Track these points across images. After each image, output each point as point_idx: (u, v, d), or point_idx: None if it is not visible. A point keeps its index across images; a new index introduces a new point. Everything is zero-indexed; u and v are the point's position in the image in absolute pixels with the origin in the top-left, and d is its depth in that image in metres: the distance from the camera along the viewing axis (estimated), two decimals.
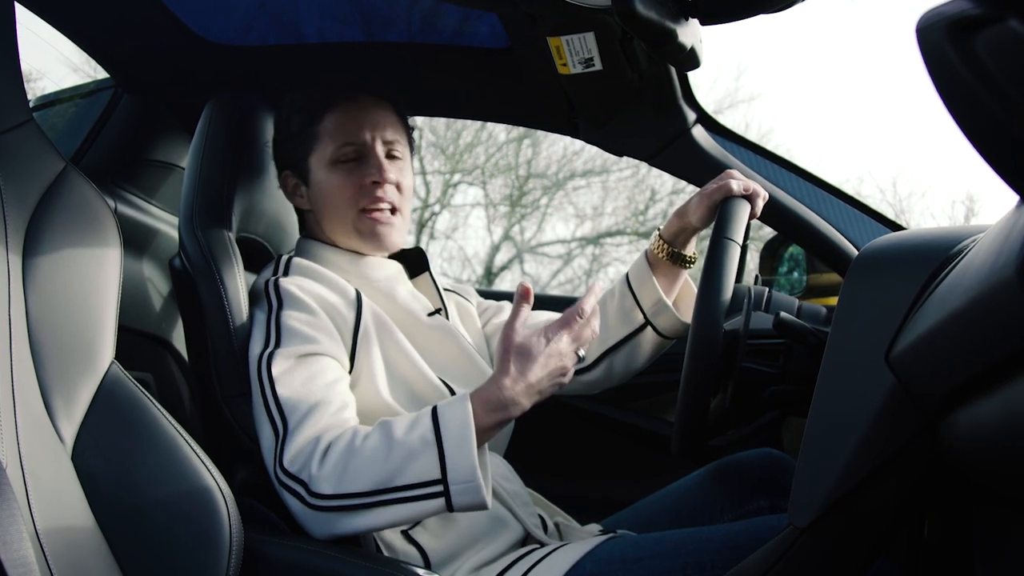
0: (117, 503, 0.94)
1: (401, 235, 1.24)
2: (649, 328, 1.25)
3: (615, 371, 1.28)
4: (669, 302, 1.23)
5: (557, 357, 1.00)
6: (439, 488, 0.93)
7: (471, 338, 1.31)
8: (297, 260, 1.20)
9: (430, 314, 1.22)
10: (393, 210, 1.21)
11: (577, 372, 1.28)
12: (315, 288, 1.13)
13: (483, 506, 0.94)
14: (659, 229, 1.26)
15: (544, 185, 9.80)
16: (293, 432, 1.00)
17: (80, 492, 0.93)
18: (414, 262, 1.31)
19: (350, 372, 1.11)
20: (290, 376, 1.04)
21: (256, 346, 1.09)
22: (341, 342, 1.11)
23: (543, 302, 1.84)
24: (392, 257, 1.27)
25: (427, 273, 1.30)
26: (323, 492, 0.95)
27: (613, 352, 1.27)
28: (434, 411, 0.98)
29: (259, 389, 1.05)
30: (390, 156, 1.22)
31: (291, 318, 1.09)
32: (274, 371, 1.04)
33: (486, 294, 1.60)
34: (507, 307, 1.39)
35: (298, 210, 1.30)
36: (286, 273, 1.18)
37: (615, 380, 1.30)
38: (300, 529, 1.02)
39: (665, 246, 1.23)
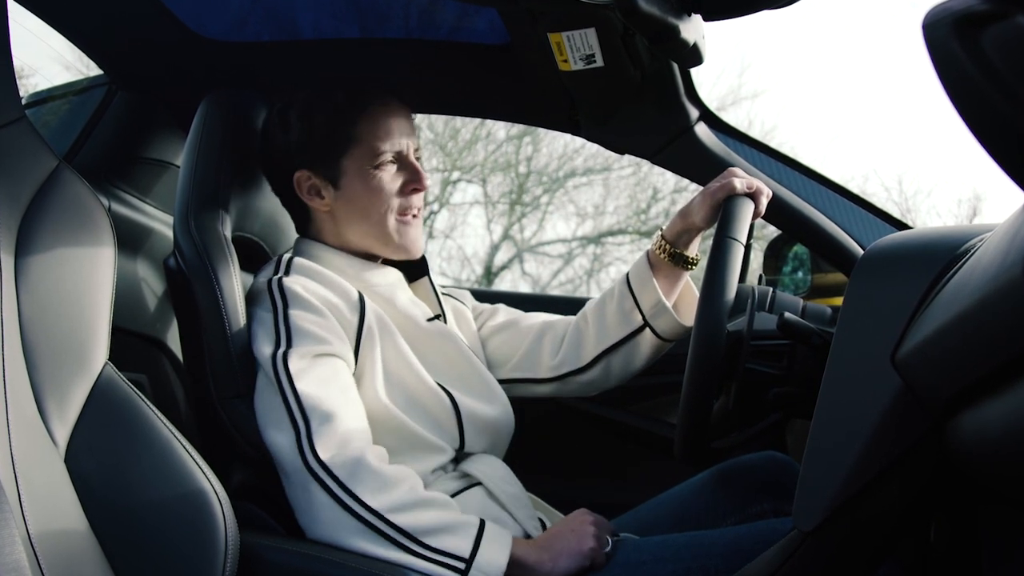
0: (111, 506, 0.94)
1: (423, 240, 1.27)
2: (648, 330, 1.25)
3: (613, 372, 1.28)
4: (669, 304, 1.23)
5: (581, 526, 1.07)
6: (462, 566, 0.97)
7: (468, 342, 1.31)
8: (298, 260, 1.20)
9: (429, 319, 1.22)
10: (415, 216, 1.25)
11: (574, 372, 1.29)
12: (318, 289, 1.13)
13: None
14: (661, 229, 1.26)
15: (544, 183, 9.80)
16: (321, 427, 1.02)
17: (73, 495, 0.93)
18: (414, 266, 1.31)
19: (353, 373, 1.12)
20: (308, 374, 1.06)
21: (266, 346, 1.09)
22: (348, 343, 1.12)
23: (544, 302, 1.84)
24: (392, 263, 1.28)
25: (426, 278, 1.31)
26: (365, 500, 0.98)
27: (611, 353, 1.27)
28: (480, 528, 1.02)
29: (277, 386, 1.05)
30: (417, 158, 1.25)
31: (300, 318, 1.10)
32: (292, 369, 1.05)
33: (484, 294, 1.60)
34: (502, 309, 1.40)
35: (303, 210, 1.27)
36: (287, 273, 1.18)
37: (613, 381, 1.30)
38: (297, 531, 1.02)
39: (667, 247, 1.23)
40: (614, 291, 1.28)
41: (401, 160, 1.22)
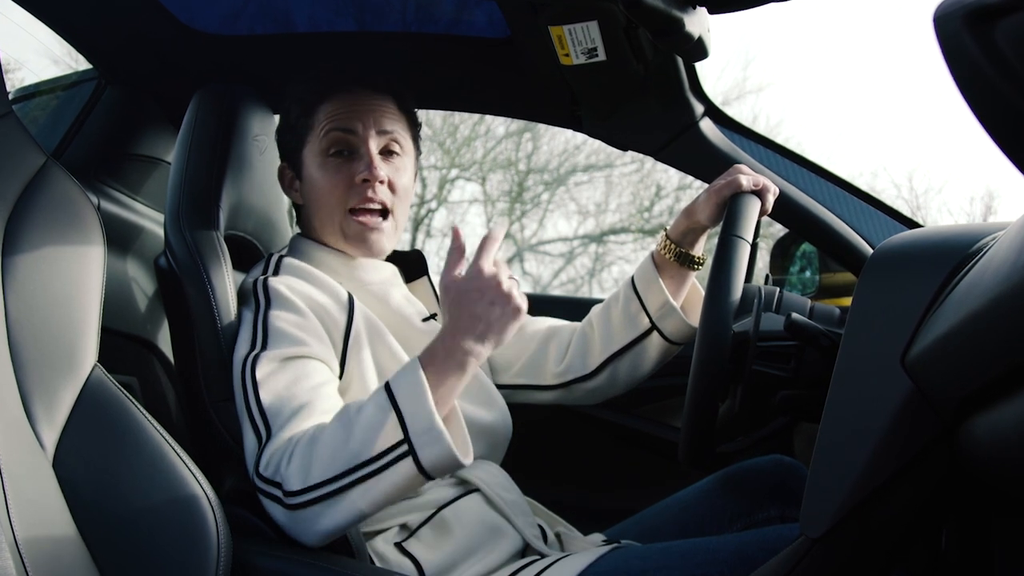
0: (100, 512, 0.94)
1: (391, 241, 1.23)
2: (655, 333, 1.24)
3: (619, 378, 1.28)
4: (676, 305, 1.23)
5: (490, 283, 0.96)
6: (404, 448, 0.92)
7: None
8: (288, 260, 1.20)
9: (424, 319, 1.22)
10: (384, 213, 1.20)
11: (579, 379, 1.29)
12: (305, 289, 1.13)
13: (454, 460, 0.92)
14: (665, 228, 1.25)
15: (545, 180, 9.81)
16: (274, 437, 1.00)
17: (62, 500, 0.93)
18: (413, 265, 1.31)
19: (340, 378, 1.11)
20: (274, 379, 1.04)
21: (242, 348, 1.09)
22: (330, 345, 1.11)
23: (544, 303, 1.84)
24: (388, 259, 1.27)
25: (426, 277, 1.30)
26: (294, 489, 0.95)
27: (617, 358, 1.27)
28: (386, 383, 0.97)
29: (242, 393, 1.05)
30: (387, 151, 1.22)
31: (278, 319, 1.09)
32: (258, 375, 1.04)
33: None
34: None
35: (295, 205, 1.31)
36: (276, 272, 1.18)
37: (619, 388, 1.30)
38: (290, 538, 1.02)
39: (672, 246, 1.23)
40: (619, 295, 1.28)
41: (355, 146, 1.20)
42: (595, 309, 1.33)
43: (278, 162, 1.32)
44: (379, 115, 1.21)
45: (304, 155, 1.23)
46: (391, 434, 0.93)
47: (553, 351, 1.31)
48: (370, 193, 1.18)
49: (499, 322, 0.97)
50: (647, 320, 1.24)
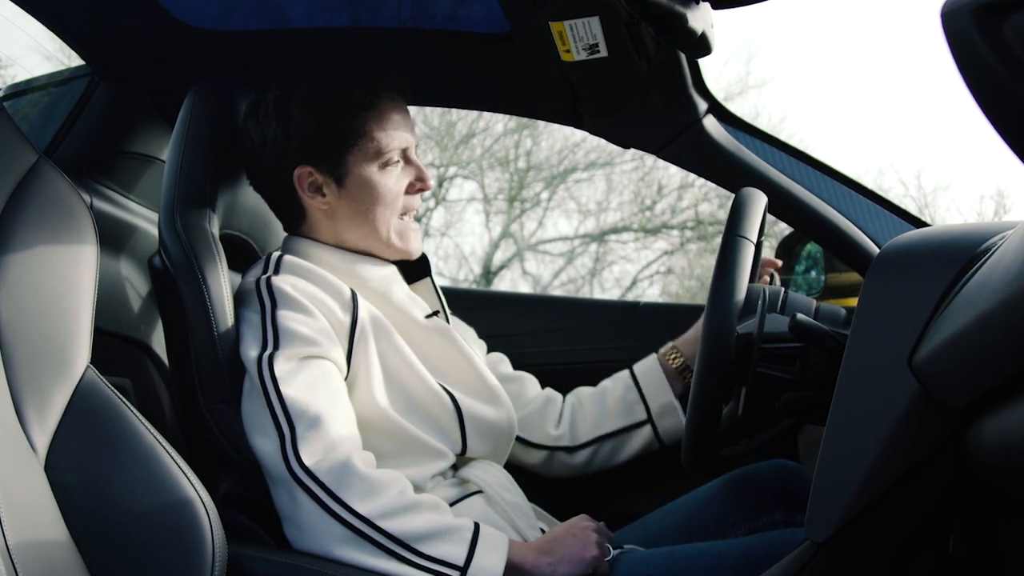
0: (93, 516, 0.94)
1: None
2: (648, 426, 1.32)
3: (596, 460, 1.35)
4: (678, 407, 1.30)
5: (587, 527, 1.08)
6: (456, 574, 0.97)
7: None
8: (288, 258, 1.19)
9: (428, 316, 1.22)
10: (415, 216, 1.27)
11: (565, 448, 1.35)
12: (309, 288, 1.13)
13: None
14: (673, 343, 1.36)
15: (544, 179, 9.81)
16: (307, 433, 1.02)
17: (54, 505, 0.93)
18: (415, 266, 1.31)
19: (346, 377, 1.12)
20: (295, 377, 1.06)
21: (252, 348, 1.09)
22: (338, 343, 1.12)
23: (544, 303, 1.84)
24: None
25: (428, 278, 1.31)
26: (353, 507, 0.98)
27: (603, 440, 1.34)
28: (476, 524, 1.04)
29: (262, 391, 1.05)
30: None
31: (288, 319, 1.10)
32: (277, 372, 1.05)
33: (484, 295, 1.60)
34: (504, 358, 1.42)
35: (294, 208, 1.25)
36: (277, 271, 1.18)
37: (591, 470, 1.36)
38: (285, 543, 1.03)
39: (679, 358, 1.33)
40: (617, 381, 1.35)
41: (407, 158, 1.24)
42: (585, 390, 1.39)
43: None
44: (412, 124, 1.26)
45: (349, 160, 1.19)
46: (456, 554, 0.98)
47: (551, 414, 1.36)
48: (418, 200, 1.25)
49: (569, 550, 1.05)
50: (644, 412, 1.32)
